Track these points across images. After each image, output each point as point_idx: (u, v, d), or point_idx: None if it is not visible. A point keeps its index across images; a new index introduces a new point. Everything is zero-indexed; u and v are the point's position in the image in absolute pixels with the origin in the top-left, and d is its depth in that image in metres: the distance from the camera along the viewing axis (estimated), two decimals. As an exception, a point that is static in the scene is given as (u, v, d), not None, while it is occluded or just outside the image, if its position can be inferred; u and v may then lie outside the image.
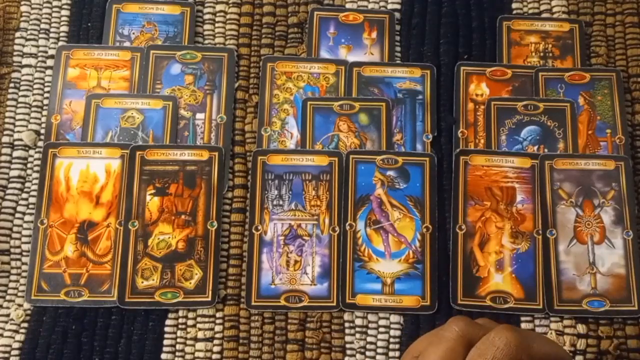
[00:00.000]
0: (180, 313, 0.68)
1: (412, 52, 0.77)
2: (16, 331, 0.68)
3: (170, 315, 0.68)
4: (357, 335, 0.68)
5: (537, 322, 0.68)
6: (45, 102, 0.75)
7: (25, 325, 0.68)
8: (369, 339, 0.68)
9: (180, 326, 0.68)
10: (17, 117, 0.74)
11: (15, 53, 0.77)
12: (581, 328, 0.67)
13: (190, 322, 0.68)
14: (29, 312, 0.68)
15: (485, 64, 0.76)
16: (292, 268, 0.69)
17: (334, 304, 0.68)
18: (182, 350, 0.67)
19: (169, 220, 0.70)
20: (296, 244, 0.70)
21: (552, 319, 0.68)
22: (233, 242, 0.70)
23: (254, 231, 0.70)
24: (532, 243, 0.70)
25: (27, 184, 0.72)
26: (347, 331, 0.68)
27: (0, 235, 0.70)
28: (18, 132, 0.74)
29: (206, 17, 0.78)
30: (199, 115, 0.74)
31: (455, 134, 0.74)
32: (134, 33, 0.77)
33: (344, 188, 0.71)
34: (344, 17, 0.78)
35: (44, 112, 0.74)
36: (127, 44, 0.77)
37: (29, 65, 0.76)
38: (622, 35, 0.77)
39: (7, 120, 0.74)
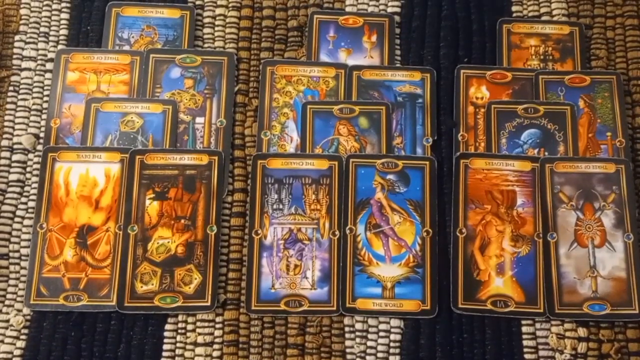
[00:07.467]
0: (180, 318, 0.68)
1: (412, 56, 0.77)
2: (17, 337, 0.67)
3: (169, 319, 0.68)
4: (357, 340, 0.68)
5: (538, 325, 0.68)
6: (45, 105, 0.75)
7: (26, 331, 0.68)
8: (369, 343, 0.67)
9: (179, 331, 0.68)
10: (17, 120, 0.74)
11: (14, 56, 0.76)
12: (582, 331, 0.67)
13: (189, 327, 0.68)
14: (28, 317, 0.68)
15: (485, 67, 0.76)
16: (292, 272, 0.69)
17: (334, 308, 0.68)
18: (182, 355, 0.67)
19: (169, 225, 0.70)
20: (296, 248, 0.70)
21: (553, 322, 0.68)
22: (233, 247, 0.70)
23: (253, 235, 0.70)
24: (532, 246, 0.70)
25: (26, 188, 0.72)
26: (347, 335, 0.68)
27: (-1, 239, 0.70)
28: (17, 135, 0.74)
29: (206, 20, 0.78)
30: (199, 119, 0.74)
31: (455, 138, 0.74)
32: (133, 37, 0.77)
33: (344, 192, 0.71)
34: (343, 20, 0.78)
35: (44, 116, 0.74)
36: (126, 47, 0.77)
37: (29, 69, 0.76)
38: (622, 38, 0.77)
39: (6, 123, 0.74)
